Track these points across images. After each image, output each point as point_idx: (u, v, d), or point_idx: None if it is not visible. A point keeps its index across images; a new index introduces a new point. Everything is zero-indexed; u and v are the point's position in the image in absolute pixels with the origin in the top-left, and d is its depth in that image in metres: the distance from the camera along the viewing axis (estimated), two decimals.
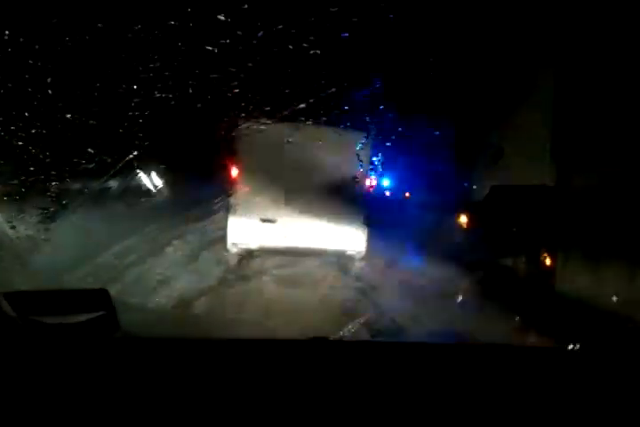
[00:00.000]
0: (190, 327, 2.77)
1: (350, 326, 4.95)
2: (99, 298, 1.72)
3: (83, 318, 1.63)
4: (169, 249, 7.72)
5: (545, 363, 1.76)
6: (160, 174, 8.18)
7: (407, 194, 23.29)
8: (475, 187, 8.10)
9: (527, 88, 7.13)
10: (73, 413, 1.23)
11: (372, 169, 7.86)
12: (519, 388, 1.47)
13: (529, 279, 5.97)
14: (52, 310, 1.66)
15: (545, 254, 5.96)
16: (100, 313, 1.66)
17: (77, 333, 1.60)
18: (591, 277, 5.29)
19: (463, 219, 7.95)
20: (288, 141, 7.48)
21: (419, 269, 7.70)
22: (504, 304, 5.41)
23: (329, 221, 7.35)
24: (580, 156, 6.07)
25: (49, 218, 5.23)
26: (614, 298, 4.91)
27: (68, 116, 4.70)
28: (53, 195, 5.37)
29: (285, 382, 1.42)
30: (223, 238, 7.57)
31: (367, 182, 7.66)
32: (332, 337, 2.44)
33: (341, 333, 4.77)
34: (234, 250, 7.43)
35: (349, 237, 7.44)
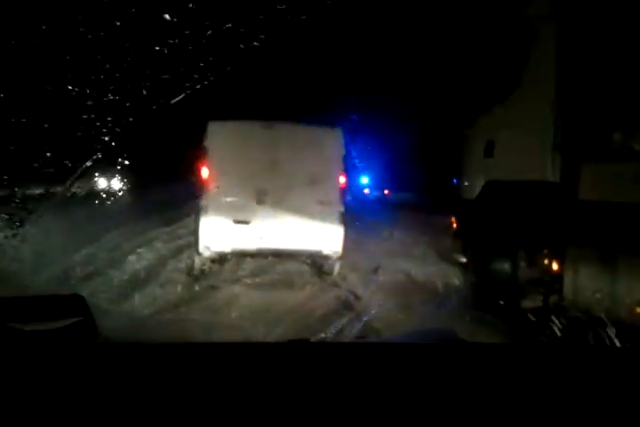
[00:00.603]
0: (170, 332, 2.76)
1: (332, 329, 4.84)
2: (74, 303, 1.70)
3: (60, 324, 1.59)
4: (132, 258, 7.41)
5: (538, 362, 1.72)
6: (124, 176, 7.90)
7: (386, 191, 23.17)
8: (466, 183, 7.19)
9: (523, 60, 5.85)
10: (54, 422, 1.18)
11: (347, 166, 7.68)
12: (509, 387, 1.45)
13: (531, 286, 5.28)
14: (26, 316, 1.63)
15: (550, 258, 5.18)
16: (77, 319, 1.63)
17: (56, 339, 1.56)
18: (606, 284, 4.51)
19: (453, 218, 7.23)
20: (260, 139, 7.26)
21: (402, 271, 7.49)
22: (499, 314, 5.21)
23: (304, 220, 7.16)
24: (590, 144, 5.13)
25: (15, 224, 5.00)
26: (637, 308, 4.18)
27: (25, 120, 4.44)
28: (17, 200, 5.18)
29: (268, 385, 1.40)
30: (193, 244, 7.31)
31: (342, 180, 7.47)
32: (312, 339, 2.43)
33: (323, 335, 4.66)
34: (206, 253, 7.16)
35: (325, 237, 7.26)
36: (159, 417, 1.19)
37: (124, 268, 7.06)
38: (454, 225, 7.22)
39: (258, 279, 7.16)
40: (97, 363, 1.49)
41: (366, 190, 19.50)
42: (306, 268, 7.84)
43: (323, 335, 4.57)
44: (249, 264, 7.74)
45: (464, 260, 6.69)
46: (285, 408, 1.26)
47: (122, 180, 8.07)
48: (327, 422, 1.22)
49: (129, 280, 6.49)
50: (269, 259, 7.64)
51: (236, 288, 6.68)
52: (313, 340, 2.55)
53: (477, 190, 6.64)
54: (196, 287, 6.74)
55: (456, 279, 6.67)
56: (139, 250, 7.64)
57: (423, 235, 9.33)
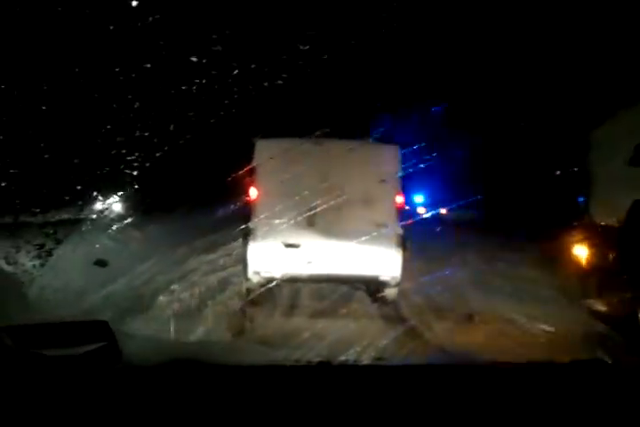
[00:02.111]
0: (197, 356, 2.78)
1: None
2: (99, 329, 1.74)
3: (83, 349, 1.63)
4: (162, 300, 6.38)
5: (550, 380, 1.72)
6: (162, 196, 7.63)
7: (443, 211, 22.14)
8: (592, 202, 5.58)
9: None
10: None
11: (404, 185, 7.12)
12: (529, 408, 1.46)
13: None
14: (52, 342, 1.68)
15: None
16: (101, 344, 1.67)
17: (79, 364, 1.60)
18: None
19: (581, 250, 5.49)
20: (310, 157, 6.83)
21: (505, 318, 5.97)
22: None
23: (358, 242, 6.60)
24: None
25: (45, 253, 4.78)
26: None
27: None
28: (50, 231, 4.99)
29: (290, 406, 1.42)
30: (239, 275, 6.85)
31: (399, 199, 6.91)
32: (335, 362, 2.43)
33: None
34: (255, 279, 6.70)
35: (382, 261, 6.68)
36: None
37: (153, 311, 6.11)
38: (583, 257, 5.54)
39: (312, 305, 6.61)
40: (114, 387, 1.50)
41: (421, 209, 18.64)
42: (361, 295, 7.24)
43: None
44: (302, 290, 7.22)
45: (602, 308, 5.09)
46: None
47: (158, 203, 7.79)
48: None
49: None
50: (324, 285, 7.10)
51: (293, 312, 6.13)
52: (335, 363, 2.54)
53: (618, 211, 5.05)
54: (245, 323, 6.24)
55: (594, 338, 4.90)
56: (173, 286, 6.82)
57: (512, 265, 8.01)
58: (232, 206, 7.16)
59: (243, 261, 6.80)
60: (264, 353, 4.23)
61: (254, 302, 6.66)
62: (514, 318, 5.74)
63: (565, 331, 5.06)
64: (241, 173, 6.90)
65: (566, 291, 5.84)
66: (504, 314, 6.03)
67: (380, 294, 7.06)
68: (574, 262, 5.45)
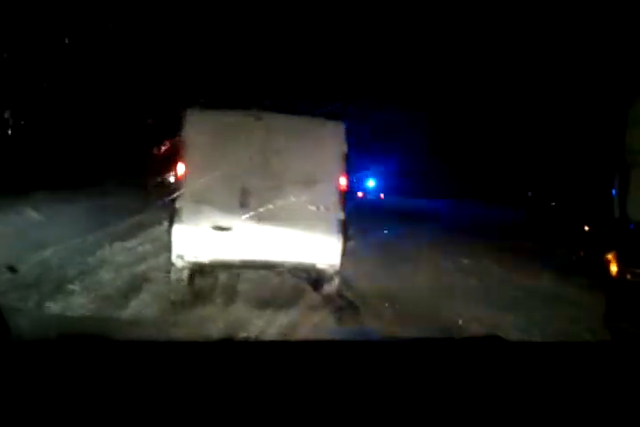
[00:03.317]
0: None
1: None
2: None
3: None
4: (50, 307, 4.97)
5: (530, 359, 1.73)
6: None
7: (382, 195, 22.30)
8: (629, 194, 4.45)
9: None
10: None
11: (349, 165, 6.54)
12: (425, 385, 1.49)
13: None
14: None
15: None
16: None
17: None
18: None
19: (612, 263, 4.27)
20: (247, 132, 6.20)
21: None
22: None
23: (295, 227, 6.05)
24: None
25: None
26: None
27: None
28: None
29: (185, 388, 1.36)
30: (160, 269, 6.15)
31: (342, 181, 6.34)
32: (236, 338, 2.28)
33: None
34: (180, 264, 6.10)
35: (321, 248, 6.14)
36: (71, 413, 1.19)
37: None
38: (616, 272, 4.38)
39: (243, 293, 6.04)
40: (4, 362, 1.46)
41: (360, 193, 18.53)
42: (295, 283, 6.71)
43: None
44: (230, 278, 6.63)
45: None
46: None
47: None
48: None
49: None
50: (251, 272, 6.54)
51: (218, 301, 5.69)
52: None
53: None
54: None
55: None
56: (69, 287, 5.50)
57: (511, 270, 7.68)
58: (160, 183, 6.44)
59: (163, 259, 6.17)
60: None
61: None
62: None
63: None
64: (170, 146, 6.24)
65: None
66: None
67: (320, 284, 6.57)
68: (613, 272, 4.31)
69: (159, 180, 6.26)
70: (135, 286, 5.96)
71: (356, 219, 7.83)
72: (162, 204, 6.07)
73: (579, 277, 7.50)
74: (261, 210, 5.99)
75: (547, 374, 1.58)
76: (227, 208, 5.99)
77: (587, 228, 18.09)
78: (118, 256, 6.64)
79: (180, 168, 6.11)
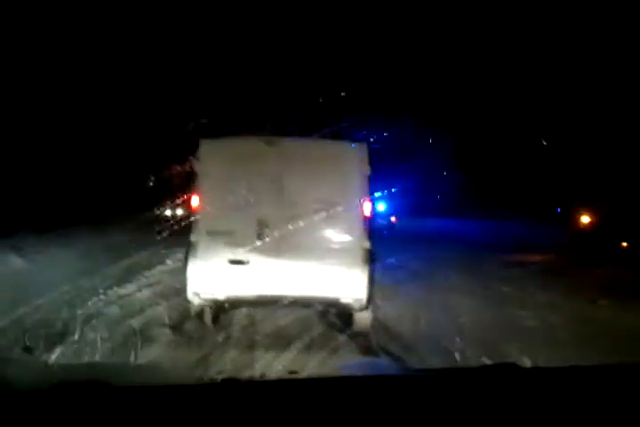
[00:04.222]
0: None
1: None
2: None
3: None
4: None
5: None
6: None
7: (393, 218, 21.34)
8: None
9: None
10: None
11: (371, 191, 6.14)
12: (444, 417, 1.46)
13: None
14: None
15: None
16: None
17: None
18: None
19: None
20: (261, 160, 5.88)
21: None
22: None
23: (316, 259, 5.66)
24: None
25: None
26: None
27: None
28: None
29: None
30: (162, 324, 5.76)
31: (366, 208, 5.94)
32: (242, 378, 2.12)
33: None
34: (196, 301, 5.76)
35: (343, 280, 5.72)
36: None
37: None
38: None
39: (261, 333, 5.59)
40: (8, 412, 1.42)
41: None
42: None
43: None
44: (250, 316, 6.21)
45: None
46: None
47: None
48: None
49: None
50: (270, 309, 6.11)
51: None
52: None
53: None
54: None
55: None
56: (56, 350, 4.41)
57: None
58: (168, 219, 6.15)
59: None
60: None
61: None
62: None
63: None
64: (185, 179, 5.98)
65: None
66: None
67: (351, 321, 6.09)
68: None
69: (156, 213, 5.92)
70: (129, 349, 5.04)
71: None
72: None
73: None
74: (280, 241, 5.64)
75: (563, 400, 1.56)
76: (243, 241, 5.64)
77: (625, 244, 17.46)
78: (111, 307, 5.97)
79: (195, 200, 5.82)
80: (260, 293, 5.65)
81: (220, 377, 1.98)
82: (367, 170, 5.96)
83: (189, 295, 5.74)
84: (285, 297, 5.66)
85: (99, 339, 4.68)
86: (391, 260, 9.11)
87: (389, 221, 21.10)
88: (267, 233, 5.66)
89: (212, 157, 5.92)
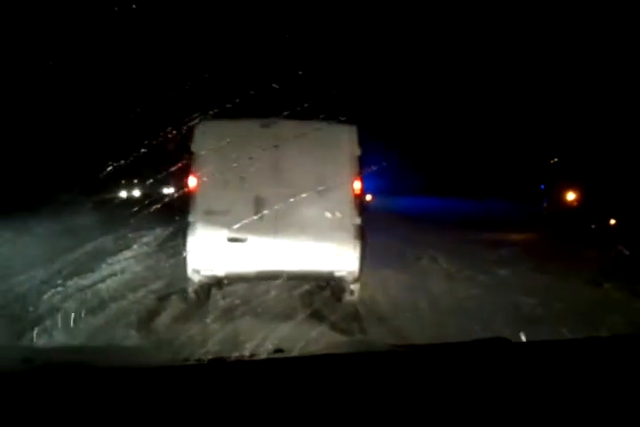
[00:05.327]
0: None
1: None
2: None
3: None
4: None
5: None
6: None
7: (369, 197, 21.73)
8: None
9: None
10: None
11: (362, 169, 6.39)
12: (434, 390, 1.46)
13: None
14: None
15: None
16: None
17: None
18: None
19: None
20: (257, 140, 6.08)
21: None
22: None
23: (311, 235, 5.93)
24: None
25: None
26: None
27: None
28: None
29: (178, 413, 1.31)
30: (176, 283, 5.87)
31: (357, 186, 6.20)
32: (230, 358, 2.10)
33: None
34: (196, 278, 6.00)
35: (337, 255, 6.01)
36: None
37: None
38: None
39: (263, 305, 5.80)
40: None
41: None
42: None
43: None
44: (248, 290, 6.45)
45: None
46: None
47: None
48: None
49: None
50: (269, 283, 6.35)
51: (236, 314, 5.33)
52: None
53: None
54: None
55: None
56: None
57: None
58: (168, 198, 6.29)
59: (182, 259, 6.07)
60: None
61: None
62: None
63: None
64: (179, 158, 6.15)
65: None
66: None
67: (341, 293, 6.40)
68: None
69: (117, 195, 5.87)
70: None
71: None
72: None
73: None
74: (276, 219, 5.89)
75: (554, 374, 1.56)
76: (241, 219, 5.87)
77: (613, 221, 17.41)
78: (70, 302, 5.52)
79: (192, 181, 6.01)
80: (259, 269, 5.91)
81: (207, 357, 1.95)
82: (357, 150, 6.22)
83: (189, 272, 5.98)
84: (283, 272, 5.94)
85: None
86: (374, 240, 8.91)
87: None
88: (263, 211, 5.90)
89: (208, 138, 6.08)
